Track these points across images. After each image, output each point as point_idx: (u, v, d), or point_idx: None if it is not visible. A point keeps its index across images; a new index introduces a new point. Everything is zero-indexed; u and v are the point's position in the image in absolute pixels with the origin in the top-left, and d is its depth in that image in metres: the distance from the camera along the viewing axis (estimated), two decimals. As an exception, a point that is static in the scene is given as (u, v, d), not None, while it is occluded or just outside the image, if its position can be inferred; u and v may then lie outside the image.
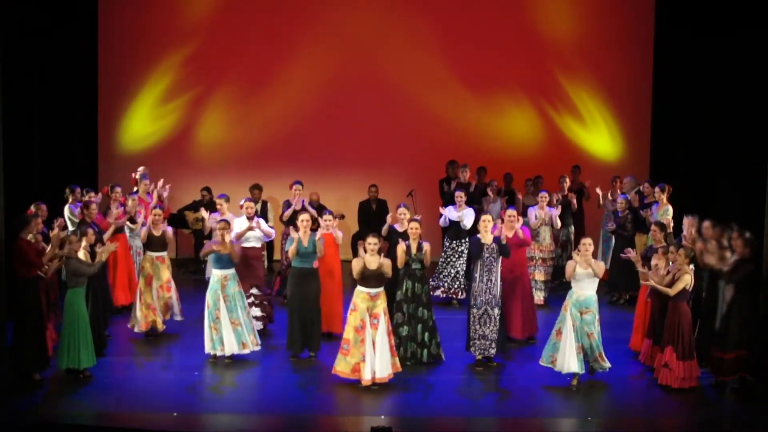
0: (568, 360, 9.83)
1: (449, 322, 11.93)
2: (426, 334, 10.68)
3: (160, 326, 11.56)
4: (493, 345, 10.54)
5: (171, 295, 11.70)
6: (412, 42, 16.44)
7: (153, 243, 11.66)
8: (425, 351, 10.68)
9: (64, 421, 8.90)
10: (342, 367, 9.93)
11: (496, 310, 10.52)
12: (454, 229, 13.21)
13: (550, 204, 13.24)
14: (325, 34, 16.40)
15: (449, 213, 13.10)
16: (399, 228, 11.85)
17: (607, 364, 10.00)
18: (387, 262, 10.02)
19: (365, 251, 9.96)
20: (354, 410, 9.42)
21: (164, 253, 11.73)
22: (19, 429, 8.55)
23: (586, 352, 9.89)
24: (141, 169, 14.30)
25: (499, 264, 10.57)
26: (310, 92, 16.46)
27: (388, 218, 11.93)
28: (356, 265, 9.92)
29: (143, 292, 11.53)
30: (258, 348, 10.83)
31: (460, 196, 13.16)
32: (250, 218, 11.87)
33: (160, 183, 13.81)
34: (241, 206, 12.08)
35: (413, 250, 10.65)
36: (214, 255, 10.79)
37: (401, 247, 10.66)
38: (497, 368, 10.60)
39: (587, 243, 10.03)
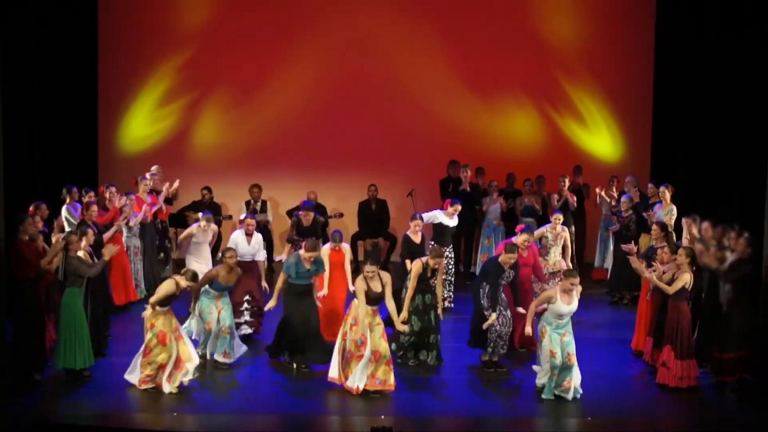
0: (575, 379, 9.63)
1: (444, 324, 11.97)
2: (431, 336, 10.67)
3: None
4: (506, 345, 10.54)
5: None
6: (412, 43, 16.42)
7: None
8: (434, 353, 10.68)
9: (64, 421, 8.89)
10: (335, 373, 9.86)
11: (509, 312, 10.51)
12: (442, 234, 12.65)
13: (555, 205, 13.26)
14: (325, 36, 16.38)
15: (441, 218, 12.63)
16: (415, 239, 11.68)
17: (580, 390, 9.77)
18: (388, 281, 9.88)
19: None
20: (354, 410, 9.40)
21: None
22: (19, 429, 8.54)
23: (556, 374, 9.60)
24: (154, 168, 14.37)
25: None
26: (310, 93, 16.44)
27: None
28: (360, 287, 9.75)
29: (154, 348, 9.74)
30: (230, 360, 10.63)
31: (457, 208, 12.58)
32: (249, 235, 11.61)
33: (170, 184, 14.00)
34: (241, 221, 11.98)
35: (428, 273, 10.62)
36: (217, 284, 10.53)
37: (417, 265, 10.53)
38: (498, 369, 10.59)
39: (576, 281, 9.56)
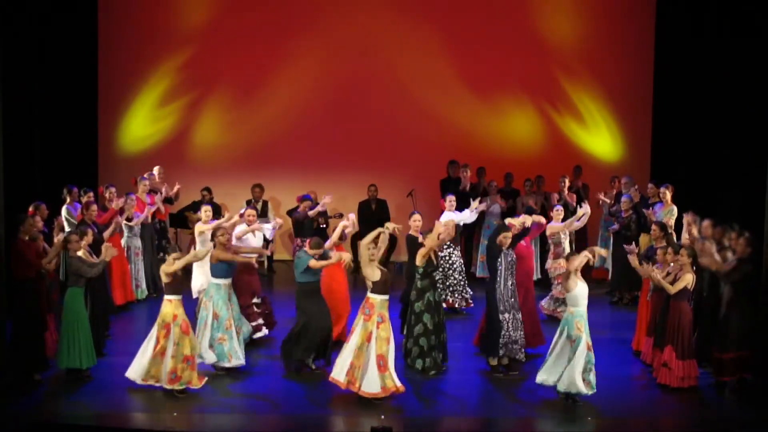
0: (579, 382, 9.43)
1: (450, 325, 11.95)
2: (442, 336, 10.63)
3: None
4: (523, 349, 10.49)
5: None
6: (412, 43, 16.43)
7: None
8: (444, 353, 10.66)
9: (64, 421, 8.90)
10: (389, 383, 9.52)
11: (520, 315, 10.49)
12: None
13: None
14: (325, 36, 16.40)
15: (456, 216, 12.66)
16: (419, 237, 11.64)
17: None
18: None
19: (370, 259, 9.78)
20: (354, 410, 9.40)
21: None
22: (19, 429, 8.54)
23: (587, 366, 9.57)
24: (156, 168, 14.38)
25: (515, 273, 10.50)
26: (310, 93, 16.46)
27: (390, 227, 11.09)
28: (374, 274, 9.66)
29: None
30: (231, 363, 10.51)
31: (452, 200, 12.88)
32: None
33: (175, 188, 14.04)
34: (241, 215, 11.97)
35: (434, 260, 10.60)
36: (222, 264, 10.50)
37: (422, 251, 10.53)
38: (511, 372, 10.51)
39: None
